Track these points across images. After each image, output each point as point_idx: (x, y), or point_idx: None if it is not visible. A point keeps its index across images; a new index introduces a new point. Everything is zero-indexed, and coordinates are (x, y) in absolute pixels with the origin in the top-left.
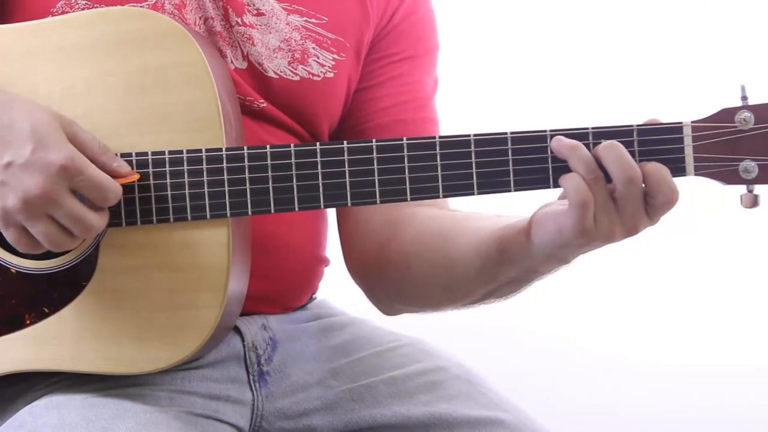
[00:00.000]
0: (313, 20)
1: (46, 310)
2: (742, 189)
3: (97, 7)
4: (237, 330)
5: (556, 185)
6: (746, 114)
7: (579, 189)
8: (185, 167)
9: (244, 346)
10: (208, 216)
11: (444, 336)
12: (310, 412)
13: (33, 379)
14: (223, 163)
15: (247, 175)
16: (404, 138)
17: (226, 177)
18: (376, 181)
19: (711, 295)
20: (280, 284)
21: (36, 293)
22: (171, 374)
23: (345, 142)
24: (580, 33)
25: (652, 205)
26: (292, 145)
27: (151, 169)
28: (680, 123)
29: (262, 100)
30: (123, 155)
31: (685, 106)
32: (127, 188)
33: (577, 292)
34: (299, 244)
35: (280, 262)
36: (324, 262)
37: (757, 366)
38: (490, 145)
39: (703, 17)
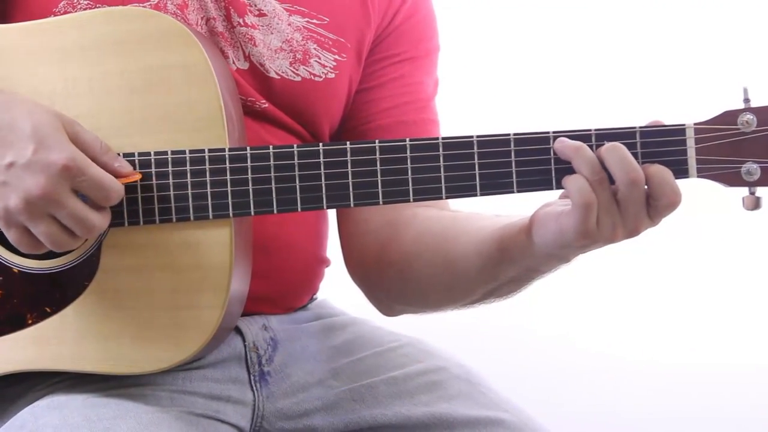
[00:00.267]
0: (314, 21)
1: (48, 310)
2: (744, 191)
3: (99, 7)
4: (238, 330)
5: (559, 187)
6: (749, 116)
7: (583, 190)
8: (188, 167)
9: (245, 346)
10: (211, 216)
11: (444, 336)
12: (311, 412)
13: (34, 379)
14: (225, 164)
15: (249, 176)
16: (407, 139)
17: (228, 177)
18: (379, 182)
19: (711, 296)
20: (281, 284)
21: (38, 293)
22: (172, 374)
23: (348, 142)
24: (583, 35)
25: (654, 207)
26: (295, 145)
27: (153, 169)
28: (683, 125)
29: (264, 101)
30: (125, 155)
31: (687, 108)
32: (130, 188)
33: (577, 292)
34: (300, 245)
35: (281, 262)
36: (325, 262)
37: (757, 366)
38: (493, 146)
39: (706, 19)
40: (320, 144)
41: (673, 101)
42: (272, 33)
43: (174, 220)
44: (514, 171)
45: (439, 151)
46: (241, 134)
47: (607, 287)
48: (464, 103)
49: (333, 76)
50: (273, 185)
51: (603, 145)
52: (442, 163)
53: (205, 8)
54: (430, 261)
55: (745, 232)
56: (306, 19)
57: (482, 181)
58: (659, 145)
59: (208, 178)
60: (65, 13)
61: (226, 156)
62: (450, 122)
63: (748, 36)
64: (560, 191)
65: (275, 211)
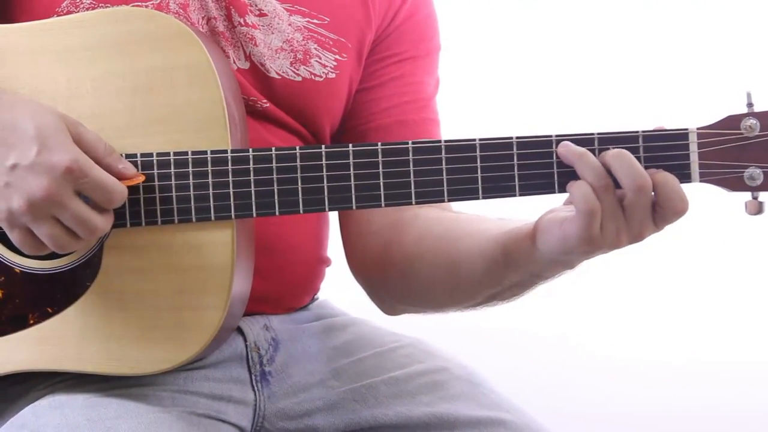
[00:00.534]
0: (315, 21)
1: (50, 310)
2: (747, 196)
3: (102, 7)
4: (239, 330)
5: (562, 190)
6: (752, 121)
7: (587, 197)
8: (190, 169)
9: (246, 346)
10: (213, 217)
11: (445, 337)
12: (312, 412)
13: (35, 378)
14: (228, 165)
15: (252, 177)
16: (409, 142)
17: (231, 179)
18: (381, 184)
19: (713, 299)
20: (282, 284)
21: (40, 293)
22: (174, 374)
23: (350, 145)
24: (586, 38)
25: (660, 214)
26: (297, 147)
27: (156, 170)
28: (686, 129)
29: (265, 101)
30: (128, 156)
31: (690, 112)
32: (132, 189)
33: (579, 294)
34: (301, 245)
35: (282, 262)
36: (326, 262)
37: (756, 366)
38: (496, 149)
39: (709, 24)
40: (323, 146)
41: (676, 105)
42: (273, 33)
43: (176, 221)
44: (516, 174)
45: (441, 153)
46: (243, 135)
47: (609, 289)
48: (467, 106)
49: (333, 75)
50: (275, 187)
51: (606, 149)
52: (444, 165)
53: (206, 8)
54: (432, 262)
55: (748, 237)
56: (306, 19)
57: (484, 184)
58: (662, 150)
59: (210, 180)
60: (68, 13)
61: (229, 157)
62: (453, 125)
63: (752, 40)
64: (563, 196)
65: (277, 213)
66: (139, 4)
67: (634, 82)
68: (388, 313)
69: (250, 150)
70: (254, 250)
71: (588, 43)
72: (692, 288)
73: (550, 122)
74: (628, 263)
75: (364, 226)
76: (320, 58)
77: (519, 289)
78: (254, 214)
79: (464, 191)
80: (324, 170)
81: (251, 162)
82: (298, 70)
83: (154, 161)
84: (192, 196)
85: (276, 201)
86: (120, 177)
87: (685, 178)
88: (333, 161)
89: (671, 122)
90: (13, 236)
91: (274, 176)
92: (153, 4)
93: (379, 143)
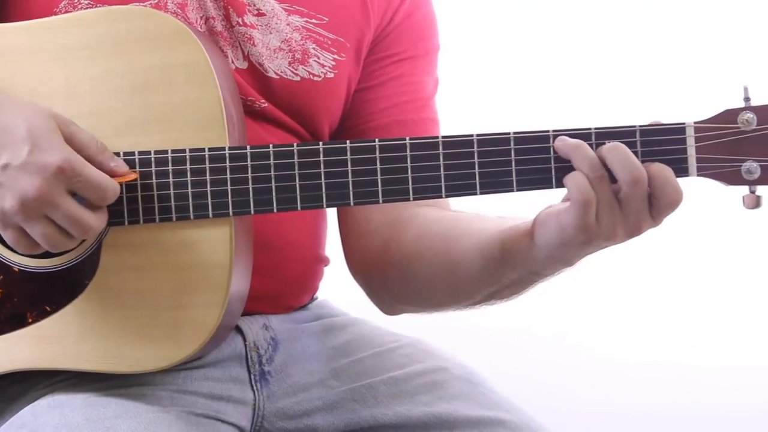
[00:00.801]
0: (313, 20)
1: (48, 309)
2: (744, 190)
3: (100, 6)
4: (238, 330)
5: (559, 185)
6: (749, 115)
7: (582, 187)
8: (188, 166)
9: (245, 345)
10: (211, 215)
11: (445, 336)
12: (311, 412)
13: (34, 378)
14: (226, 162)
15: (249, 175)
16: (407, 138)
17: (228, 176)
18: (379, 180)
19: (712, 295)
20: (280, 282)
21: (38, 292)
22: (172, 374)
23: (348, 141)
24: (583, 33)
25: (656, 206)
26: (295, 144)
27: (153, 168)
28: (683, 123)
29: (263, 101)
30: (126, 154)
31: (687, 106)
32: (130, 187)
33: (578, 293)
34: (299, 243)
35: (280, 259)
36: (324, 261)
37: (757, 366)
38: (493, 145)
39: (706, 18)
40: (320, 143)
41: (673, 100)
42: (271, 33)
43: (174, 218)
44: (513, 170)
45: (438, 149)
46: (241, 134)
47: (609, 288)
48: (464, 102)
49: (332, 75)
50: (273, 184)
51: (603, 144)
52: (441, 161)
53: (204, 7)
54: (432, 261)
55: (746, 231)
56: (305, 19)
57: (482, 179)
58: (659, 144)
59: (208, 177)
60: (66, 12)
61: (226, 155)
62: (450, 121)
63: (748, 34)
64: (561, 192)
65: (275, 210)
66: (138, 3)
67: (631, 76)
68: (388, 313)
69: (248, 147)
70: (253, 248)
71: (585, 39)
72: (694, 289)
73: (548, 118)
74: (627, 262)
75: (362, 225)
76: (319, 58)
77: (518, 288)
78: (252, 211)
79: (462, 187)
80: (321, 167)
81: (249, 159)
82: (296, 69)
83: (152, 159)
84: (190, 193)
85: (274, 198)
86: (112, 175)
87: (683, 172)
88: (330, 158)
89: (668, 116)
90: (7, 236)
91: (272, 173)
92: (151, 3)
93: (377, 139)
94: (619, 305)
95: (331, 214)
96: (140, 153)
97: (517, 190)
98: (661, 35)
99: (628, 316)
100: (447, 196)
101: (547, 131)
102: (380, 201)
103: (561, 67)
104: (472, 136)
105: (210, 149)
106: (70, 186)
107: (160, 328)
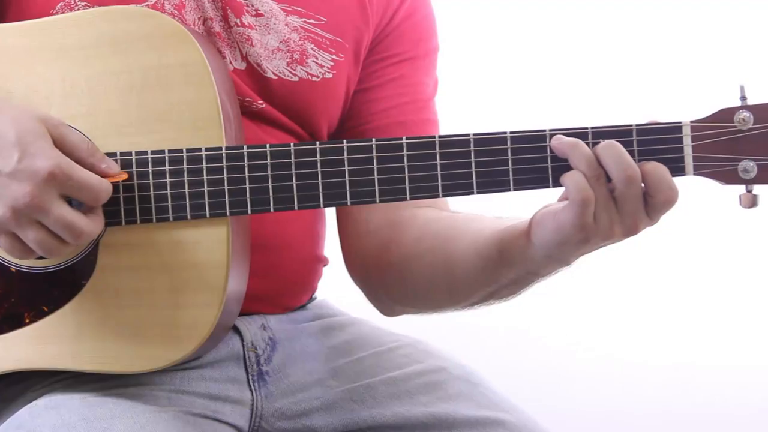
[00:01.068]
0: (311, 21)
1: (46, 309)
2: (741, 189)
3: (97, 7)
4: (236, 330)
5: (556, 185)
6: (745, 114)
7: (580, 186)
8: (185, 166)
9: (243, 346)
10: (208, 215)
11: (444, 337)
12: (310, 412)
13: (32, 378)
14: (222, 162)
15: (246, 174)
16: (404, 137)
17: (225, 176)
18: (376, 180)
19: (710, 295)
20: (278, 283)
21: (35, 292)
22: (170, 374)
23: (345, 141)
24: (579, 33)
25: (651, 204)
26: (291, 144)
27: (150, 168)
28: (679, 123)
29: (261, 101)
30: (123, 154)
31: (684, 105)
32: (127, 187)
33: (578, 294)
34: (297, 243)
35: (278, 260)
36: (323, 261)
37: (756, 366)
38: (490, 144)
39: (702, 17)
40: (317, 143)
41: (669, 99)
42: (269, 33)
43: (171, 218)
44: (510, 169)
45: (435, 149)
46: (238, 134)
47: (608, 288)
48: (461, 102)
49: (330, 76)
50: (270, 184)
51: (599, 143)
52: (438, 161)
53: (202, 8)
54: (430, 262)
55: (743, 230)
56: (303, 19)
57: (479, 179)
58: (656, 143)
59: (205, 177)
60: (63, 13)
61: (223, 155)
62: (446, 120)
63: (745, 34)
64: (558, 192)
65: (272, 210)
66: (134, 4)
67: (628, 76)
68: (387, 315)
69: (245, 147)
70: (250, 248)
71: (581, 38)
72: (692, 289)
73: (544, 117)
74: (626, 262)
75: (361, 226)
76: (317, 59)
77: (516, 288)
78: (249, 211)
79: (459, 186)
80: (318, 166)
81: (246, 159)
82: (294, 70)
83: (149, 159)
84: (187, 193)
85: (271, 198)
86: (104, 176)
87: (679, 171)
88: (327, 157)
89: (665, 116)
90: (1, 242)
91: (269, 173)
92: (148, 4)
93: (373, 139)
94: (618, 305)
95: (330, 214)
96: (137, 153)
97: (514, 190)
98: (657, 35)
99: (627, 316)
100: (444, 196)
101: (544, 131)
102: (377, 201)
103: (558, 67)
104: (468, 135)
105: (207, 149)
106: (62, 191)
107: (157, 328)
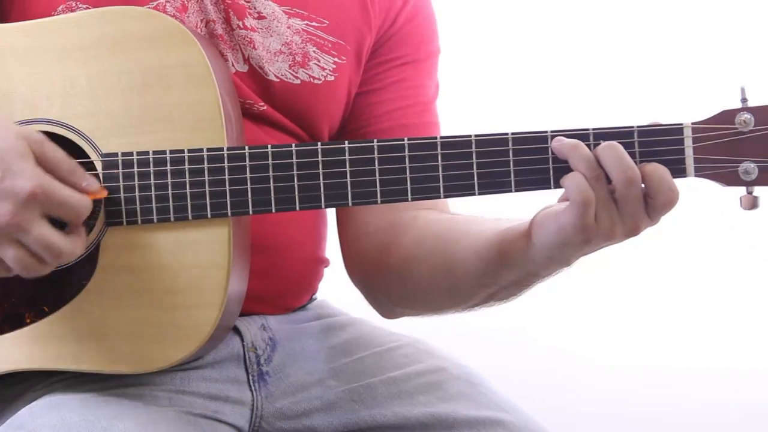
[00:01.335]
0: (314, 24)
1: (46, 309)
2: (741, 191)
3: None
4: (236, 330)
5: (557, 186)
6: (746, 116)
7: (581, 187)
8: (186, 166)
9: (243, 346)
10: (209, 215)
11: (444, 337)
12: (310, 412)
13: (32, 379)
14: (224, 163)
15: (248, 175)
16: (405, 138)
17: (227, 176)
18: (377, 181)
19: (710, 297)
20: (279, 284)
21: (36, 292)
22: (170, 374)
23: (346, 141)
24: (581, 35)
25: (652, 205)
26: (293, 144)
27: (152, 168)
28: (680, 124)
29: (263, 103)
30: (124, 154)
31: (685, 107)
32: (128, 187)
33: (578, 295)
34: (299, 245)
35: (279, 261)
36: (324, 262)
37: (757, 369)
38: (491, 145)
39: (703, 19)
40: (318, 143)
41: (670, 101)
42: (271, 36)
43: (172, 219)
44: (512, 170)
45: (437, 150)
46: (239, 134)
47: (608, 290)
48: (462, 103)
49: (332, 78)
50: (271, 184)
51: (600, 144)
52: (440, 162)
53: (204, 11)
54: (431, 264)
55: (743, 232)
56: (305, 22)
57: (480, 180)
58: (657, 145)
59: (206, 177)
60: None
61: (225, 155)
62: (448, 121)
63: (746, 36)
64: (558, 193)
65: (273, 210)
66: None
67: (629, 77)
68: (386, 317)
69: (246, 147)
70: (250, 249)
71: (583, 40)
72: (692, 291)
73: (546, 119)
74: (626, 263)
75: (361, 228)
76: (319, 61)
77: (516, 289)
78: (250, 212)
79: (460, 187)
80: (320, 167)
81: (247, 159)
82: (296, 73)
83: (150, 159)
84: (188, 193)
85: (272, 198)
86: (84, 193)
87: (680, 172)
88: (329, 158)
89: (666, 117)
90: None
91: (270, 173)
92: (150, 7)
93: (375, 140)
94: (618, 306)
95: (332, 216)
96: (138, 153)
97: (516, 191)
98: (659, 36)
99: (626, 317)
100: (445, 197)
101: (545, 132)
102: (378, 201)
103: (559, 68)
104: (470, 136)
105: (208, 149)
106: (43, 210)
107: (158, 329)
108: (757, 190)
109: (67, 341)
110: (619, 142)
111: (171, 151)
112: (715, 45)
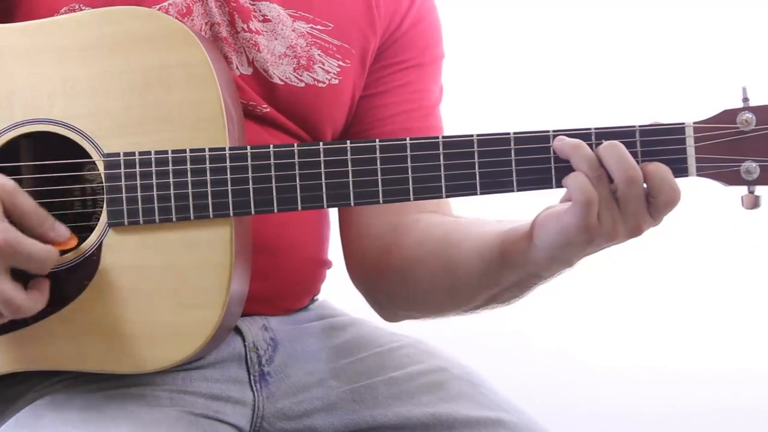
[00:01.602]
0: (318, 27)
1: (48, 309)
2: (743, 190)
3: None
4: (238, 330)
5: (559, 185)
6: (748, 115)
7: (583, 187)
8: (188, 166)
9: (245, 346)
10: (211, 215)
11: (445, 338)
12: (311, 412)
13: (34, 379)
14: (226, 163)
15: (250, 175)
16: (407, 138)
17: (229, 176)
18: (379, 180)
19: (712, 298)
20: (281, 286)
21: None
22: (172, 374)
23: (348, 141)
24: (583, 34)
25: (654, 204)
26: (295, 144)
27: (154, 168)
28: (682, 124)
29: (266, 105)
30: (126, 154)
31: (687, 107)
32: (130, 187)
33: (579, 296)
34: (302, 246)
35: (282, 263)
36: (326, 264)
37: (758, 369)
38: (493, 145)
39: (705, 19)
40: (320, 143)
41: (672, 100)
42: (276, 39)
43: (174, 219)
44: (514, 170)
45: (439, 149)
46: (241, 134)
47: (608, 291)
48: (464, 103)
49: (337, 82)
50: (273, 184)
51: (602, 143)
52: (442, 161)
53: (209, 13)
54: (432, 265)
55: (744, 231)
56: (310, 25)
57: (482, 179)
58: (658, 144)
59: (208, 177)
60: None
61: (227, 155)
62: (450, 121)
63: (747, 35)
64: (559, 193)
65: (275, 210)
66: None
67: (631, 77)
68: (388, 320)
69: (248, 147)
70: (253, 251)
71: (585, 40)
72: (693, 291)
73: (547, 118)
74: (627, 264)
75: (363, 230)
76: (323, 64)
77: (518, 290)
78: (252, 212)
79: (462, 187)
80: (322, 167)
81: (249, 159)
82: (301, 76)
83: (152, 159)
84: (190, 193)
85: (274, 198)
86: (53, 244)
87: (682, 172)
88: (331, 158)
89: (668, 117)
90: None
91: (272, 173)
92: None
93: (377, 140)
94: (619, 307)
95: (334, 217)
96: (140, 153)
97: (518, 191)
98: (660, 36)
99: (627, 319)
100: (447, 196)
101: (547, 131)
102: (381, 201)
103: (561, 68)
104: (472, 136)
105: (210, 149)
106: (7, 264)
107: (159, 329)
108: (759, 190)
109: (68, 341)
110: (620, 142)
111: (173, 151)
112: (716, 44)
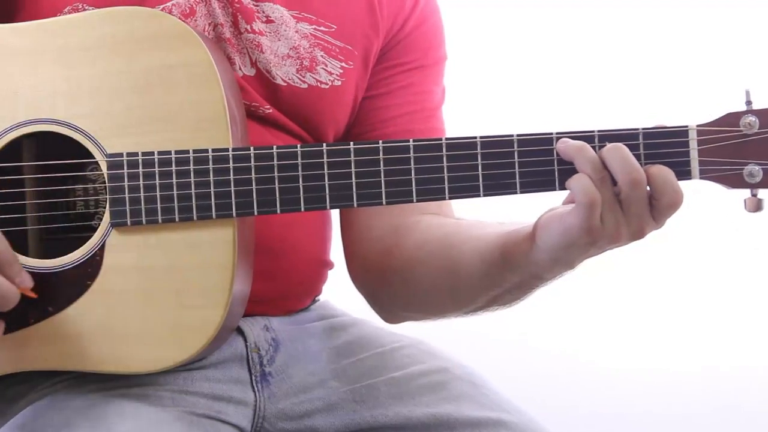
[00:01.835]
0: (322, 28)
1: (50, 309)
2: (746, 193)
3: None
4: (239, 331)
5: (562, 188)
6: (751, 118)
7: (587, 189)
8: (191, 167)
9: (246, 346)
10: (214, 216)
11: (445, 338)
12: (312, 412)
13: (35, 379)
14: (229, 163)
15: (253, 176)
16: (411, 139)
17: (232, 177)
18: (383, 182)
19: (715, 300)
20: (283, 286)
21: (40, 292)
22: (173, 374)
23: (351, 143)
24: (586, 37)
25: (657, 207)
26: (298, 145)
27: (157, 169)
28: (685, 126)
29: (269, 106)
30: (129, 155)
31: (690, 109)
32: (132, 187)
33: (580, 298)
34: (304, 247)
35: (285, 264)
36: (328, 265)
37: (761, 371)
38: (497, 147)
39: (708, 22)
40: (323, 144)
41: (675, 103)
42: (279, 40)
43: (177, 219)
44: (517, 172)
45: (442, 151)
46: (243, 135)
47: (610, 292)
48: (468, 105)
49: (339, 83)
50: (276, 185)
51: (605, 146)
52: (445, 163)
53: (212, 14)
54: (434, 267)
55: (746, 234)
56: (313, 27)
57: (485, 181)
58: (662, 147)
59: (211, 178)
60: None
61: (230, 156)
62: (454, 123)
63: (751, 38)
64: (562, 195)
65: (278, 211)
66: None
67: (635, 80)
68: (389, 321)
69: (251, 148)
70: (256, 252)
71: (589, 42)
72: (696, 293)
73: (551, 121)
74: (629, 266)
75: (365, 232)
76: (326, 66)
77: (520, 292)
78: (255, 212)
79: (465, 189)
80: (325, 168)
81: (252, 160)
82: (304, 77)
83: (155, 160)
84: (193, 194)
85: (277, 199)
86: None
87: (685, 175)
88: (334, 159)
89: (671, 119)
90: None
91: (275, 174)
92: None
93: (380, 141)
94: (621, 309)
95: (336, 219)
96: (143, 153)
97: (521, 192)
98: (664, 39)
99: (629, 320)
100: (450, 198)
101: (551, 134)
102: (384, 202)
103: (564, 71)
104: (475, 138)
105: (213, 150)
106: None
107: (162, 329)
108: (762, 193)
109: (70, 342)
110: (624, 144)
111: (176, 152)
112: (719, 47)
